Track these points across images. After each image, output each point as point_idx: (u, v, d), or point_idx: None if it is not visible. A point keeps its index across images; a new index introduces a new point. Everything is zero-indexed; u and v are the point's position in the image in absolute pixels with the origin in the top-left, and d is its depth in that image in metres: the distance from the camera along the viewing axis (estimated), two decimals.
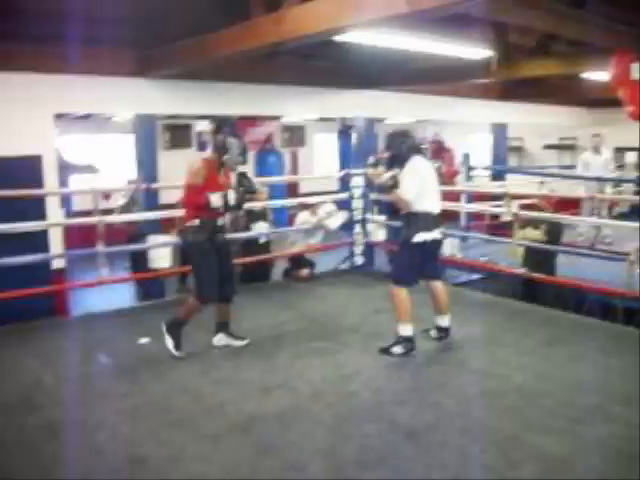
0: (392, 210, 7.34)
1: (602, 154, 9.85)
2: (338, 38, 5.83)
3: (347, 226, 7.75)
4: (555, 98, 12.12)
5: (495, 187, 9.94)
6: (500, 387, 4.27)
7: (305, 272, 7.29)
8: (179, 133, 14.26)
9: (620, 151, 12.88)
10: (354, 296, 6.59)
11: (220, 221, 4.84)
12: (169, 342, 4.82)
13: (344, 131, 13.84)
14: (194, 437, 3.60)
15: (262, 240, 7.68)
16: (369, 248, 7.81)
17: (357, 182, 7.60)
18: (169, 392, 4.24)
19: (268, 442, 3.53)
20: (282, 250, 7.83)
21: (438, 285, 5.06)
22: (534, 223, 7.11)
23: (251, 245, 7.55)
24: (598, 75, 8.28)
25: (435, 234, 4.84)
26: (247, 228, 7.52)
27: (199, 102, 7.90)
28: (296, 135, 16.84)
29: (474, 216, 10.10)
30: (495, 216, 8.90)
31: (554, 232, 7.18)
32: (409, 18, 4.50)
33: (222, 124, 4.72)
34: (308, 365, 4.66)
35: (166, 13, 6.46)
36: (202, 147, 14.00)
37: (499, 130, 12.67)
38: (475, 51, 7.10)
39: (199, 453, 3.43)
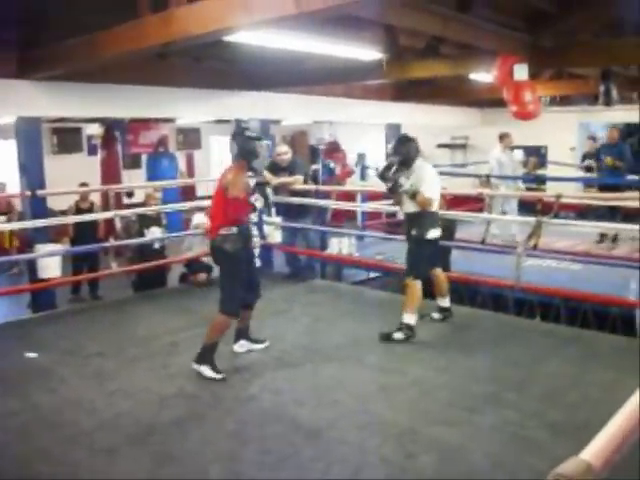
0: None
1: (514, 152, 10.17)
2: (230, 39, 5.78)
3: None
4: (446, 98, 12.50)
5: None
6: (398, 381, 4.36)
7: (202, 276, 7.16)
8: (68, 137, 13.76)
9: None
10: None
11: (252, 229, 4.83)
12: (206, 371, 4.42)
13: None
14: (89, 452, 3.47)
15: (157, 245, 7.50)
16: (267, 250, 7.77)
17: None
18: (61, 407, 4.06)
19: (167, 452, 3.45)
20: (178, 255, 7.69)
21: (437, 271, 5.59)
22: None
23: (145, 251, 7.36)
24: (484, 77, 8.59)
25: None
26: (140, 234, 7.33)
27: (88, 104, 7.63)
28: (191, 137, 16.62)
29: (371, 215, 10.27)
30: (391, 214, 9.07)
31: (448, 229, 7.37)
32: (298, 19, 4.50)
33: (239, 130, 4.69)
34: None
35: (50, 11, 6.19)
36: (93, 151, 13.60)
37: (393, 130, 12.92)
38: (367, 52, 7.21)
39: (94, 469, 3.30)
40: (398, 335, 5.08)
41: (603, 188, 9.34)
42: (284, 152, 7.54)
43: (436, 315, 5.65)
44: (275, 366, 4.67)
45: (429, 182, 5.22)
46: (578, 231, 8.92)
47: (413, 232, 5.25)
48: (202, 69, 8.49)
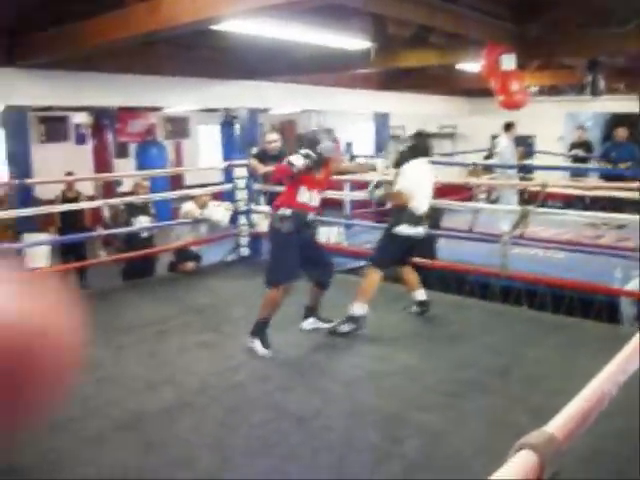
0: None
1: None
2: (219, 27, 5.78)
3: (232, 217, 7.68)
4: (434, 88, 12.53)
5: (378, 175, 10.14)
6: (385, 368, 4.39)
7: (191, 265, 7.17)
8: (55, 125, 13.67)
9: (495, 138, 13.49)
10: (240, 287, 6.56)
11: (311, 216, 4.77)
12: (257, 345, 4.57)
13: (227, 122, 13.75)
14: (78, 440, 3.47)
15: (145, 234, 7.49)
16: (255, 239, 7.77)
17: (240, 173, 7.53)
18: None
19: (154, 439, 3.47)
20: (167, 243, 7.69)
21: (405, 269, 5.41)
22: None
23: (133, 240, 7.36)
24: (472, 66, 8.62)
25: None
26: (128, 223, 7.32)
27: (75, 93, 7.62)
28: (179, 126, 16.57)
29: (360, 204, 10.30)
30: (380, 203, 9.09)
31: (434, 217, 7.41)
32: (286, 8, 4.52)
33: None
34: (194, 358, 4.61)
35: None
36: (80, 140, 13.53)
37: (381, 119, 12.97)
38: (355, 41, 7.23)
39: (84, 456, 3.31)
40: (343, 328, 4.93)
41: (607, 179, 9.37)
42: (274, 140, 7.52)
43: (414, 308, 5.53)
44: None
45: (407, 177, 5.08)
46: (564, 220, 9.00)
47: (388, 224, 5.26)
48: (191, 57, 8.47)
